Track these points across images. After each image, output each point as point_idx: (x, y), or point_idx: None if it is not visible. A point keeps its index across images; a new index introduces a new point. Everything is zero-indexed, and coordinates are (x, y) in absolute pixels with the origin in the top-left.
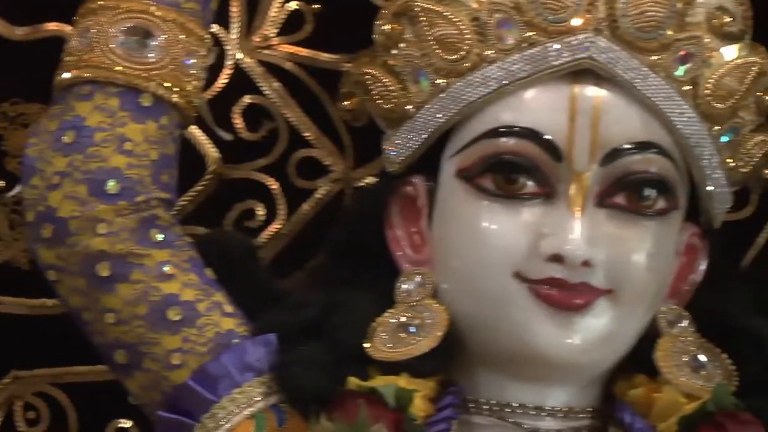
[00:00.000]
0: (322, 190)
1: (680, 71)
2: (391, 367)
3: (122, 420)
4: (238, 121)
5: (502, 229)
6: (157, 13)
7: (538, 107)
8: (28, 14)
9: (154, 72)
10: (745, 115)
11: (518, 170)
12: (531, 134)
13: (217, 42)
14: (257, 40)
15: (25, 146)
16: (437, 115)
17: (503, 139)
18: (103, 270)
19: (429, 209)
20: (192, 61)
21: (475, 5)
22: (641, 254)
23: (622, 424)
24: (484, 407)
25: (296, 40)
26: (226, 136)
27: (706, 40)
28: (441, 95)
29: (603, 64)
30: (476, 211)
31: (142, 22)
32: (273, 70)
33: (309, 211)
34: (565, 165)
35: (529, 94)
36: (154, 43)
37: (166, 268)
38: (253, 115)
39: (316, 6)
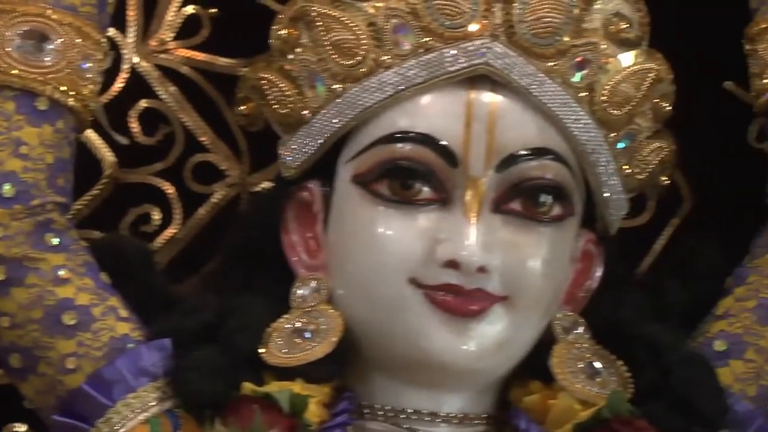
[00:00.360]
0: (218, 194)
1: (577, 77)
2: (286, 373)
3: (17, 424)
4: (135, 125)
5: (398, 235)
6: (53, 17)
7: (435, 113)
8: None
9: (50, 75)
10: (641, 122)
11: (414, 176)
12: (427, 140)
13: (114, 46)
14: (154, 44)
15: None
16: (333, 121)
17: (399, 145)
18: None
19: (325, 214)
20: (88, 64)
21: (371, 10)
22: (537, 261)
23: (517, 430)
24: (379, 413)
25: (193, 45)
26: (122, 140)
27: (603, 47)
28: (337, 100)
29: (499, 70)
30: (372, 217)
31: (39, 25)
32: (169, 74)
33: (205, 215)
34: (461, 171)
35: (426, 99)
36: (50, 46)
37: (62, 272)
38: (150, 119)
39: (213, 10)
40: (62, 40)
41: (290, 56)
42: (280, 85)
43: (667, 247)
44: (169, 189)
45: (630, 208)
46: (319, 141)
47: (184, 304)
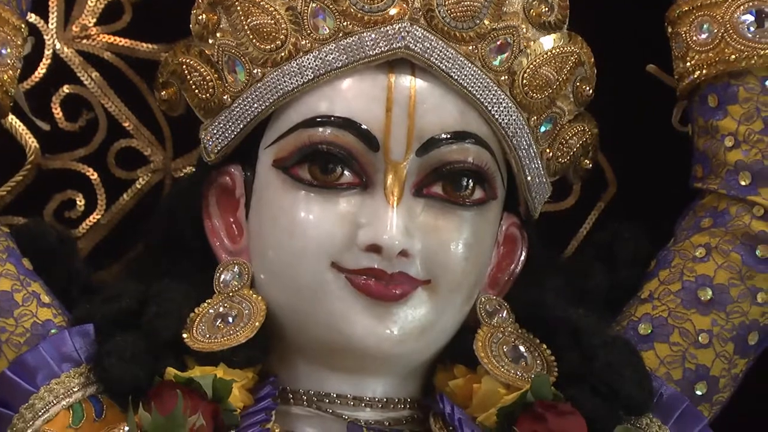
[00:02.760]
0: (142, 180)
1: (497, 61)
2: (209, 358)
3: None
4: (57, 111)
5: (319, 219)
6: None
7: (354, 97)
8: None
9: None
10: (563, 105)
11: (334, 160)
12: (347, 124)
13: (36, 32)
14: (76, 29)
15: None
16: (254, 105)
17: (319, 129)
18: None
19: (247, 199)
20: (7, 50)
21: None
22: (458, 244)
23: (442, 415)
24: (304, 398)
25: (115, 30)
26: (44, 126)
27: (523, 30)
28: (257, 85)
29: (419, 54)
30: (293, 201)
31: None
32: (92, 60)
33: (129, 201)
34: (381, 155)
35: (346, 83)
36: None
37: None
38: (72, 105)
39: None
40: None
41: (210, 41)
42: (200, 70)
43: (593, 231)
44: (93, 175)
45: (556, 191)
46: (239, 126)
47: (105, 290)
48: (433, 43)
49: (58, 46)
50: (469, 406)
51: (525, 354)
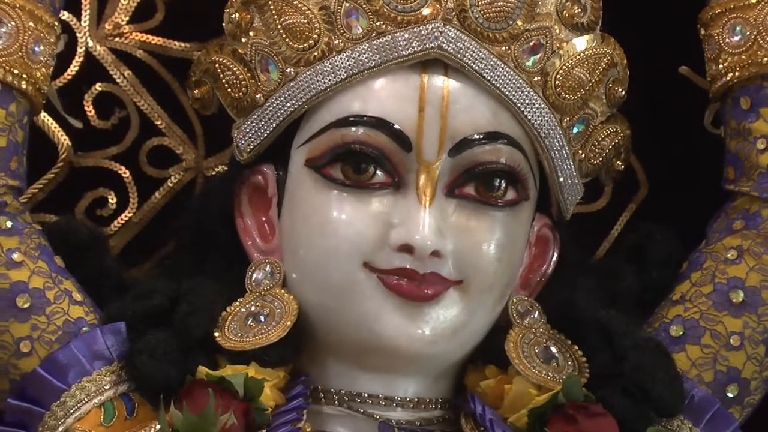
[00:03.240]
0: (174, 178)
1: (530, 62)
2: (241, 357)
3: None
4: (90, 109)
5: (351, 219)
6: (5, 0)
7: (387, 97)
8: None
9: (2, 59)
10: (595, 107)
11: (367, 160)
12: (380, 123)
13: (69, 29)
14: (108, 27)
15: None
16: (286, 104)
17: (352, 129)
18: None
19: (279, 198)
20: (41, 48)
21: None
22: (490, 245)
23: (473, 415)
24: (335, 397)
25: (147, 29)
26: (77, 124)
27: (556, 31)
28: (290, 84)
29: (452, 54)
30: (325, 201)
31: None
32: (124, 58)
33: (160, 199)
34: (414, 155)
35: (379, 83)
36: (2, 30)
37: (15, 256)
38: (105, 103)
39: None
40: (14, 23)
41: (243, 40)
42: (233, 69)
43: (624, 232)
44: (125, 173)
45: (587, 193)
46: (272, 125)
47: (136, 287)
48: (466, 43)
49: (90, 44)
50: (501, 406)
51: (556, 355)
